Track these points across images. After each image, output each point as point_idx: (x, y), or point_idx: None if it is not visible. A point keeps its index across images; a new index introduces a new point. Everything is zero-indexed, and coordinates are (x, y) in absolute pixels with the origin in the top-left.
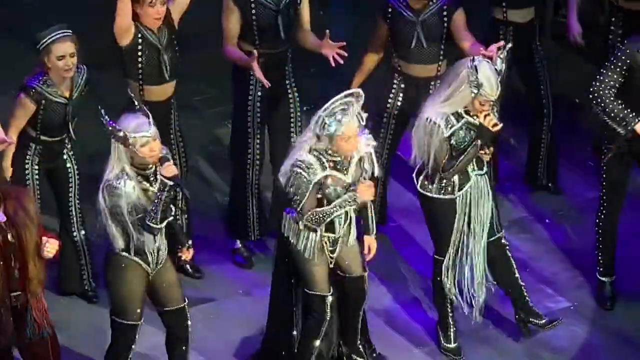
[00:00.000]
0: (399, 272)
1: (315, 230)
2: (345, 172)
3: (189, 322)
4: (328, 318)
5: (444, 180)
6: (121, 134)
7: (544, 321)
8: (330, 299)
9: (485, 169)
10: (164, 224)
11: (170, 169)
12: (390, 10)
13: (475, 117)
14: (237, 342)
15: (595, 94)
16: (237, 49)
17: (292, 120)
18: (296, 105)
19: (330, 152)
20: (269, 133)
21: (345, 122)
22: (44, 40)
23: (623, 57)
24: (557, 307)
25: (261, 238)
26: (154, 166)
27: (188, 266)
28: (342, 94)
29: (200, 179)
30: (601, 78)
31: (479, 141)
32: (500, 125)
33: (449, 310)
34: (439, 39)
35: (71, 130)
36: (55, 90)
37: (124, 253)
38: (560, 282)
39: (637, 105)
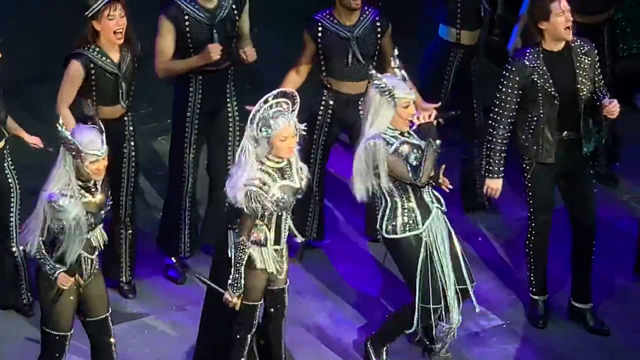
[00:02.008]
0: (335, 288)
1: (264, 245)
2: (292, 179)
3: (113, 338)
4: (255, 328)
5: (405, 216)
6: (74, 146)
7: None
8: (260, 308)
9: (444, 207)
10: (93, 234)
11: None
12: (320, 28)
13: (408, 135)
14: (171, 357)
15: (494, 122)
16: (176, 60)
17: (230, 135)
18: (235, 120)
19: (271, 158)
20: (207, 146)
21: (281, 121)
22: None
23: (515, 78)
24: (490, 325)
25: (193, 254)
26: None
27: (123, 284)
28: (275, 92)
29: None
30: (498, 103)
31: (430, 139)
32: (434, 113)
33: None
34: (372, 54)
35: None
36: None
37: (57, 265)
38: (493, 301)
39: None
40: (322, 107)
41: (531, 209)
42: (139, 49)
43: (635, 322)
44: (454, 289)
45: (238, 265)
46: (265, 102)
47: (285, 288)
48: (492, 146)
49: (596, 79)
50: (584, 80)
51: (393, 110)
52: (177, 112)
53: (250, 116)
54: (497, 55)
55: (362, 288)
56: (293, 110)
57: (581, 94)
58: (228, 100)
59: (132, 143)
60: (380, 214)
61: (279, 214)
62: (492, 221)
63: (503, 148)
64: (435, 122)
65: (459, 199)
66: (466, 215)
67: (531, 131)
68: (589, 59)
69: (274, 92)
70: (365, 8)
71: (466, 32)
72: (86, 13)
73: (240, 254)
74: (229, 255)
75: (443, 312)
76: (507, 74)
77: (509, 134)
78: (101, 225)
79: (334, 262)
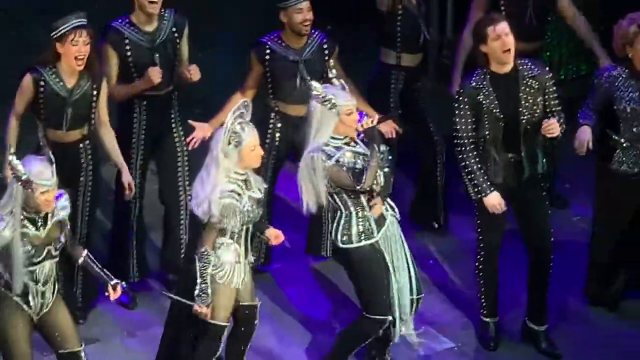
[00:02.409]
0: (283, 312)
1: (239, 261)
2: (254, 190)
3: None
4: (219, 351)
5: (360, 225)
6: (25, 177)
7: None
8: (226, 329)
9: (397, 215)
10: (41, 267)
11: None
12: (268, 51)
13: (355, 144)
14: None
15: (459, 147)
16: (119, 85)
17: (179, 160)
18: (182, 145)
19: (237, 170)
20: (158, 173)
21: (248, 130)
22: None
23: (465, 100)
24: (441, 347)
25: (143, 279)
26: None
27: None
28: (235, 107)
29: None
30: (457, 127)
31: (373, 143)
32: (376, 117)
33: None
34: (319, 77)
35: None
36: None
37: (6, 291)
38: (444, 323)
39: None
40: (270, 131)
41: (479, 230)
42: (101, 78)
43: (587, 346)
44: (407, 299)
45: (204, 275)
46: (233, 113)
47: (256, 306)
48: (469, 169)
49: (548, 102)
50: (527, 103)
51: (336, 118)
52: (122, 137)
53: (222, 131)
54: (447, 77)
55: (311, 311)
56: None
57: (522, 117)
58: (173, 125)
59: (90, 170)
60: (334, 224)
61: (246, 227)
62: (443, 243)
63: (479, 165)
64: (375, 125)
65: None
66: (417, 237)
67: (480, 152)
68: (537, 82)
69: (237, 104)
70: (313, 31)
71: (406, 54)
72: (52, 34)
73: (204, 264)
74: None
75: (393, 324)
76: (458, 97)
77: (476, 152)
78: (53, 260)
79: (282, 286)
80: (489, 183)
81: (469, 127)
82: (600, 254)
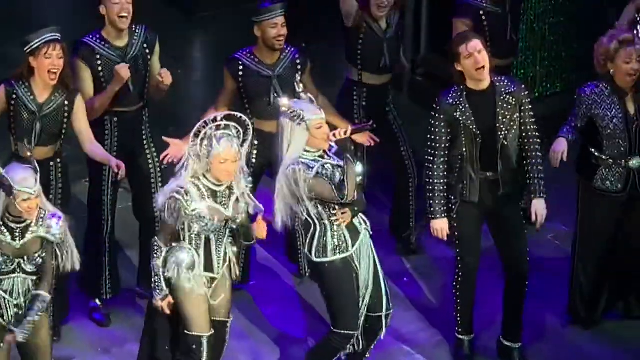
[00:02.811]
0: (258, 329)
1: (192, 269)
2: (225, 206)
3: None
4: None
5: (336, 238)
6: (7, 183)
7: None
8: (207, 338)
9: (369, 229)
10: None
11: None
12: (241, 67)
13: (328, 157)
14: None
15: (429, 164)
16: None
17: (152, 176)
18: (155, 161)
19: (208, 178)
20: (131, 190)
21: (224, 142)
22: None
23: (441, 117)
24: None
25: (115, 296)
26: (25, 222)
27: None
28: (226, 113)
29: None
30: (431, 144)
31: (347, 154)
32: (350, 128)
33: None
34: (292, 93)
35: None
36: None
37: None
38: (418, 340)
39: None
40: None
41: (457, 250)
42: (75, 93)
43: None
44: (375, 315)
45: (156, 268)
46: (214, 120)
47: (228, 322)
48: (431, 187)
49: (524, 120)
50: (504, 119)
51: (307, 132)
52: None
53: (195, 130)
54: (421, 95)
55: (286, 328)
56: (245, 140)
57: (500, 133)
58: (145, 141)
59: (60, 189)
60: (309, 238)
61: (207, 237)
62: (418, 260)
63: (442, 188)
64: (349, 135)
65: (387, 239)
66: (392, 253)
67: (456, 170)
68: (514, 99)
69: (225, 113)
70: (286, 46)
71: (367, 73)
72: (25, 48)
73: (155, 256)
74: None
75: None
76: (434, 114)
77: (445, 173)
78: (26, 276)
79: (258, 303)
80: (444, 208)
81: (443, 145)
82: (584, 273)
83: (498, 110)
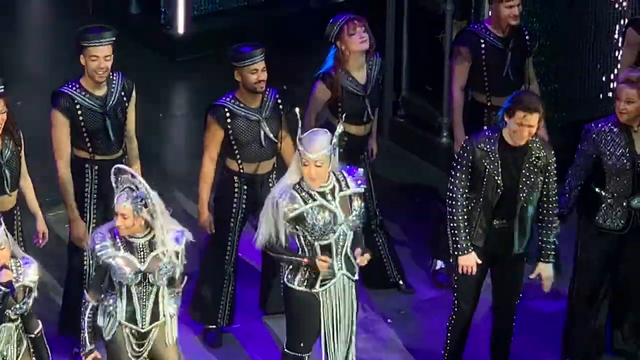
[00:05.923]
0: None
1: (112, 315)
2: (141, 258)
3: None
4: None
5: (307, 273)
6: None
7: None
8: None
9: (356, 276)
10: None
11: (6, 275)
12: (228, 113)
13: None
14: None
15: (451, 201)
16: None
17: None
18: None
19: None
20: None
21: (118, 197)
22: None
23: (465, 154)
24: None
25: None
26: None
27: None
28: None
29: None
30: (453, 181)
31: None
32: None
33: None
34: (277, 133)
35: None
36: None
37: None
38: None
39: (484, 197)
40: (236, 194)
41: (455, 294)
42: (20, 139)
43: None
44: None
45: (82, 324)
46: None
47: None
48: (455, 224)
49: (546, 185)
50: (528, 181)
51: (301, 165)
52: (75, 200)
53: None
54: (402, 136)
55: None
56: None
57: (521, 193)
58: None
59: (21, 239)
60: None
61: (126, 283)
62: (403, 301)
63: (465, 224)
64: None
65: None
66: (376, 295)
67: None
68: (541, 162)
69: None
70: (266, 89)
71: (349, 125)
72: None
73: (82, 310)
74: None
75: None
76: (462, 153)
77: (466, 209)
78: (10, 324)
79: (244, 345)
80: (469, 243)
81: (466, 183)
82: (581, 311)
83: (524, 171)
